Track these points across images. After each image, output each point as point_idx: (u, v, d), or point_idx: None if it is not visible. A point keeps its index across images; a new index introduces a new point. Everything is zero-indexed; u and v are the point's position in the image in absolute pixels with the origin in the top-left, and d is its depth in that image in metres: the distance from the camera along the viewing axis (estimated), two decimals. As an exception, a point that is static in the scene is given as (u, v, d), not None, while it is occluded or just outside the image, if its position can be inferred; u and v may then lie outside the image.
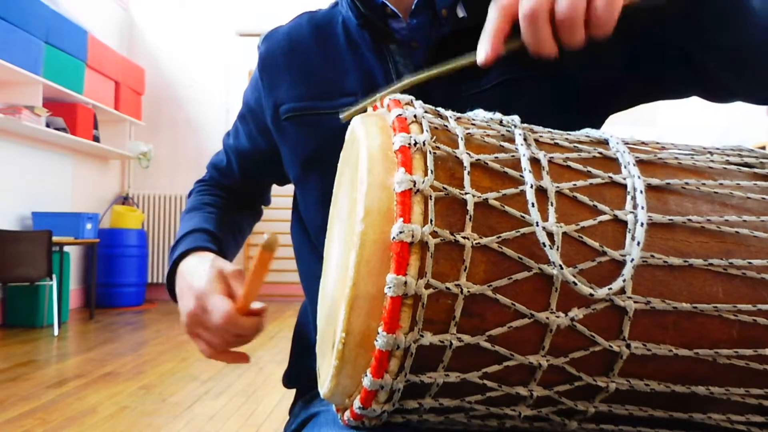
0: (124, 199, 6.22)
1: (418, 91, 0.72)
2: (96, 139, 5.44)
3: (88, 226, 4.99)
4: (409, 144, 0.45)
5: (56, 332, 4.20)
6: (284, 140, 0.82)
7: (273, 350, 3.72)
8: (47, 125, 4.73)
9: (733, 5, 0.57)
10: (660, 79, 0.70)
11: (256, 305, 0.67)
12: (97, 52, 5.34)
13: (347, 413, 0.50)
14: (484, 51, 0.51)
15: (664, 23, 0.63)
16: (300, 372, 0.86)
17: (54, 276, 4.31)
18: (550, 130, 0.53)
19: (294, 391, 0.88)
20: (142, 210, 6.17)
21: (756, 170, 0.53)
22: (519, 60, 0.54)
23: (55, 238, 4.37)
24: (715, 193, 0.50)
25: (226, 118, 6.16)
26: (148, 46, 6.41)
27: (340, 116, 0.60)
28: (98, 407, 2.55)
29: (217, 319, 0.66)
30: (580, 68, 0.69)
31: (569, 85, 0.71)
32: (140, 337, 4.21)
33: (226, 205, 0.93)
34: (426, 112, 0.50)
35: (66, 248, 4.75)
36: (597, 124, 0.77)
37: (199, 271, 0.72)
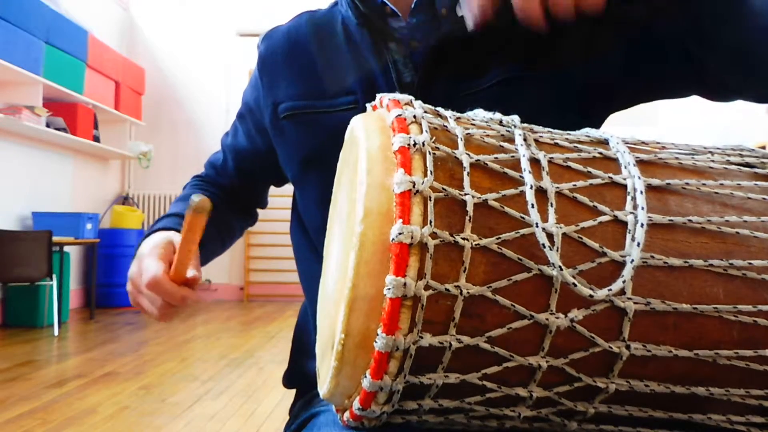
0: (125, 199, 6.22)
1: (418, 90, 0.73)
2: (96, 139, 5.44)
3: (89, 226, 4.99)
4: (409, 145, 0.45)
5: (56, 332, 4.20)
6: (282, 139, 0.82)
7: (273, 350, 3.72)
8: (47, 125, 4.73)
9: (730, 3, 0.57)
10: (660, 77, 0.70)
11: (189, 273, 0.66)
12: (98, 52, 5.34)
13: (347, 414, 0.50)
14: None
15: (664, 19, 0.62)
16: (300, 372, 0.86)
17: (54, 276, 4.31)
18: (550, 130, 0.53)
19: (294, 391, 0.88)
20: (142, 210, 6.17)
21: (757, 170, 0.53)
22: (514, 52, 0.53)
23: (55, 238, 4.38)
24: (716, 193, 0.50)
25: (227, 118, 6.16)
26: (148, 46, 6.42)
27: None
28: (98, 407, 2.55)
29: (144, 280, 0.66)
30: (580, 66, 0.69)
31: (569, 84, 0.71)
32: (140, 337, 4.21)
33: (217, 201, 0.92)
34: (425, 112, 0.50)
35: (66, 248, 4.75)
36: (597, 123, 0.77)
37: (150, 241, 0.73)
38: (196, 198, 0.58)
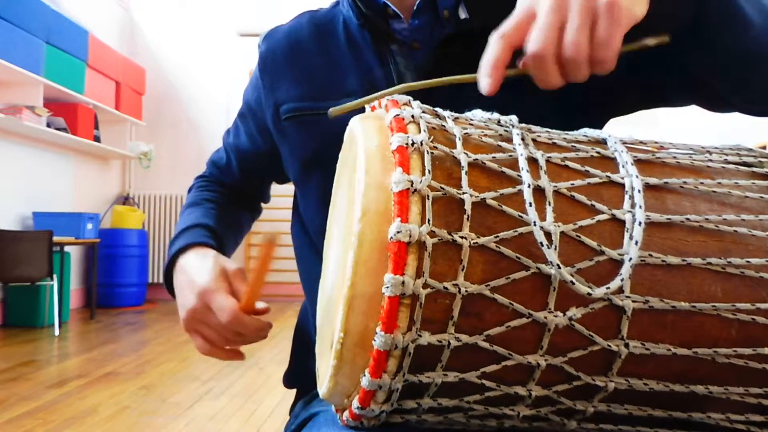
0: (125, 199, 6.22)
1: (418, 92, 0.72)
2: (97, 139, 5.44)
3: (89, 226, 4.99)
4: (407, 144, 0.45)
5: (57, 332, 4.20)
6: (284, 140, 0.82)
7: (273, 350, 3.72)
8: (48, 125, 4.73)
9: (730, 14, 0.57)
10: (661, 88, 0.70)
11: (259, 305, 0.67)
12: (98, 52, 5.34)
13: (346, 413, 0.50)
14: (486, 81, 0.51)
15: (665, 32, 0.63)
16: (300, 372, 0.86)
17: (55, 276, 4.31)
18: (548, 130, 0.54)
19: (294, 391, 0.88)
20: (142, 210, 6.17)
21: (754, 169, 0.53)
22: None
23: (55, 238, 4.38)
24: (714, 192, 0.50)
25: (227, 119, 6.16)
26: (148, 46, 6.42)
27: (328, 112, 0.60)
28: (99, 407, 2.55)
29: (224, 318, 0.66)
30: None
31: (569, 90, 0.71)
32: (141, 337, 4.21)
33: (225, 201, 0.93)
34: (424, 112, 0.50)
35: (67, 248, 4.75)
36: (597, 127, 0.77)
37: (200, 267, 0.72)
38: (267, 233, 0.58)
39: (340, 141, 0.62)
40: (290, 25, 0.85)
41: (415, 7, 0.75)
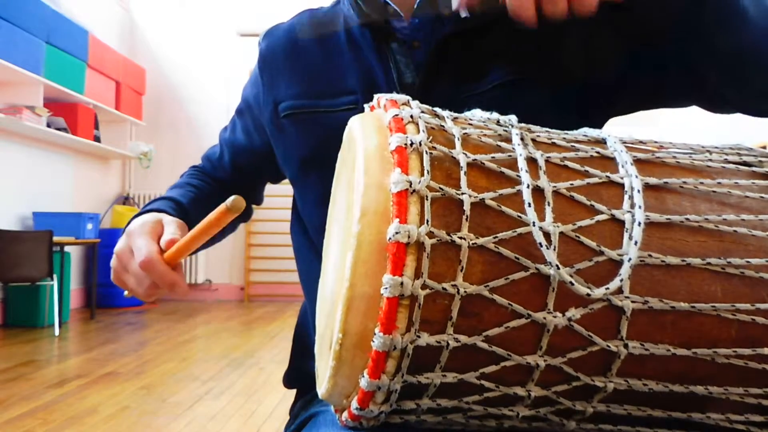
0: (125, 199, 6.22)
1: (419, 91, 0.72)
2: (97, 139, 5.45)
3: (89, 226, 4.99)
4: (406, 144, 0.45)
5: (57, 332, 4.20)
6: (282, 138, 0.81)
7: (273, 350, 3.72)
8: (48, 125, 4.73)
9: (729, 11, 0.57)
10: (660, 88, 0.70)
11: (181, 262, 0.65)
12: (98, 52, 5.34)
13: (345, 414, 0.50)
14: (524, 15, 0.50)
15: (664, 29, 0.62)
16: (300, 372, 0.86)
17: (55, 276, 4.32)
18: (547, 129, 0.53)
19: (294, 391, 0.88)
20: (143, 210, 6.17)
21: (754, 169, 0.53)
22: (515, 55, 0.53)
23: (56, 238, 4.38)
24: (713, 192, 0.50)
25: (227, 118, 6.00)
26: (149, 46, 6.42)
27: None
28: (99, 407, 2.55)
29: (138, 258, 0.65)
30: (581, 71, 0.69)
31: (569, 88, 0.71)
32: (141, 337, 4.21)
33: (211, 192, 0.91)
34: (423, 112, 0.50)
35: (67, 248, 4.75)
36: (596, 127, 0.77)
37: (144, 218, 0.71)
38: (234, 197, 0.56)
39: (339, 140, 0.62)
40: (291, 23, 0.85)
41: (415, 6, 0.75)
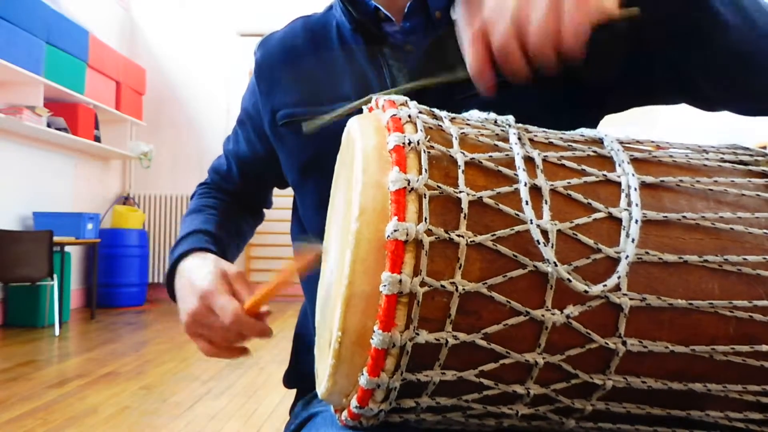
0: (125, 199, 6.22)
1: (412, 95, 0.72)
2: (97, 139, 5.44)
3: (89, 226, 4.99)
4: (404, 143, 0.45)
5: (57, 332, 4.20)
6: (282, 145, 0.82)
7: (273, 350, 3.72)
8: (48, 125, 4.73)
9: (706, 22, 0.57)
10: (648, 87, 0.70)
11: (263, 308, 0.68)
12: (98, 52, 5.34)
13: (345, 413, 0.50)
14: (480, 85, 0.52)
15: (647, 36, 0.63)
16: (300, 372, 0.87)
17: (55, 276, 4.32)
18: (544, 129, 0.54)
19: (294, 391, 0.89)
20: (143, 210, 6.17)
21: (751, 168, 0.53)
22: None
23: (56, 238, 4.38)
24: (710, 190, 0.50)
25: (227, 118, 6.16)
26: (149, 46, 6.42)
27: (303, 128, 0.61)
28: (99, 407, 2.55)
29: (226, 319, 0.67)
30: (574, 72, 0.69)
31: (562, 90, 0.71)
32: (141, 337, 4.21)
33: (227, 207, 0.93)
34: (420, 112, 0.50)
35: (67, 248, 4.75)
36: (590, 126, 0.77)
37: (201, 271, 0.72)
38: (311, 247, 0.60)
39: (336, 145, 0.62)
40: (284, 32, 0.86)
41: (406, 10, 0.75)
